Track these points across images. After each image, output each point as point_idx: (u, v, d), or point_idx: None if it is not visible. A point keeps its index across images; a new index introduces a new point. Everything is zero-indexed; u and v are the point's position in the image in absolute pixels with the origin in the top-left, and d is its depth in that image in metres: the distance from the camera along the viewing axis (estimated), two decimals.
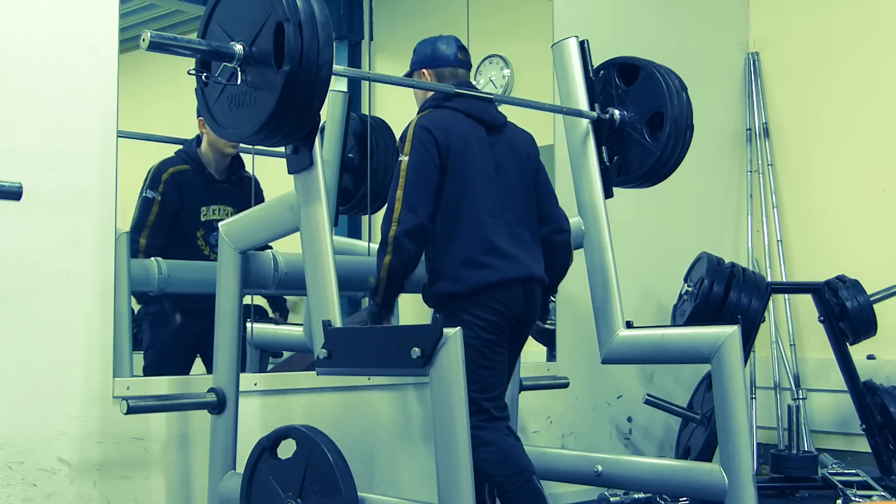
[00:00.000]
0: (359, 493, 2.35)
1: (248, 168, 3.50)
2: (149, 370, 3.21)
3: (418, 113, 2.95)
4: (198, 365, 3.33)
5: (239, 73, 2.39)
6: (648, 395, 4.16)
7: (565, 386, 3.82)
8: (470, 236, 2.83)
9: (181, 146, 3.43)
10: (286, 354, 3.71)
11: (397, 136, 3.74)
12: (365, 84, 3.98)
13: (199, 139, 3.41)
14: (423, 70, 3.05)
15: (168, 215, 3.34)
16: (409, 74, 3.10)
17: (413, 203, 2.75)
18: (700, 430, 4.05)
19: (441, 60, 3.04)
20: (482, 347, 2.80)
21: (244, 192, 3.42)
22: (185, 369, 3.33)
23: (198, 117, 3.29)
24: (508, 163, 2.98)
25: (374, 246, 3.75)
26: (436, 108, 2.92)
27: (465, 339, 2.72)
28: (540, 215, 3.05)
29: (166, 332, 3.36)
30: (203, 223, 3.40)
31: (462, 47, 3.08)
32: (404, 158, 2.80)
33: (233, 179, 3.47)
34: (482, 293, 2.81)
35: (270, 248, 2.91)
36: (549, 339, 4.20)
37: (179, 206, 3.38)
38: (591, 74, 3.39)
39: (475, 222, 2.84)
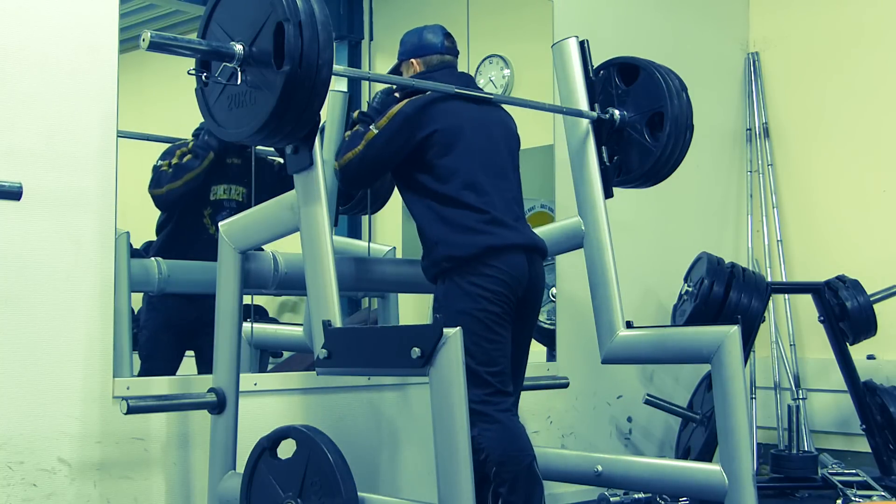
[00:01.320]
0: (359, 493, 2.35)
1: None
2: (141, 351, 3.20)
3: (403, 93, 2.96)
4: (189, 365, 3.34)
5: (239, 73, 2.39)
6: (648, 395, 4.16)
7: (565, 386, 3.82)
8: (467, 209, 2.82)
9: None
10: (286, 354, 3.71)
11: None
12: (365, 84, 3.98)
13: None
14: (412, 59, 3.06)
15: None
16: (398, 65, 3.11)
17: (353, 175, 2.89)
18: (700, 430, 4.05)
19: (428, 48, 3.05)
20: (486, 319, 2.76)
21: (259, 173, 3.41)
22: (177, 355, 3.33)
23: None
24: (500, 143, 2.99)
25: (375, 246, 3.79)
26: (423, 95, 2.92)
27: (470, 311, 2.73)
28: None
29: (161, 315, 3.35)
30: (212, 202, 3.38)
31: (448, 34, 3.09)
32: (374, 131, 2.83)
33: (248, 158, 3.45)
34: (483, 259, 2.78)
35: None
36: (549, 339, 4.20)
37: None
38: (591, 74, 3.39)
39: (471, 197, 2.83)
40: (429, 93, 2.91)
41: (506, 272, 2.80)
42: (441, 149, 2.85)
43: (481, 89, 3.08)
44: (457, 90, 2.91)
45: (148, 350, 3.24)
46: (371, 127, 2.85)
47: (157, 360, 3.23)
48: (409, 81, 2.98)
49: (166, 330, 3.35)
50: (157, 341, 3.30)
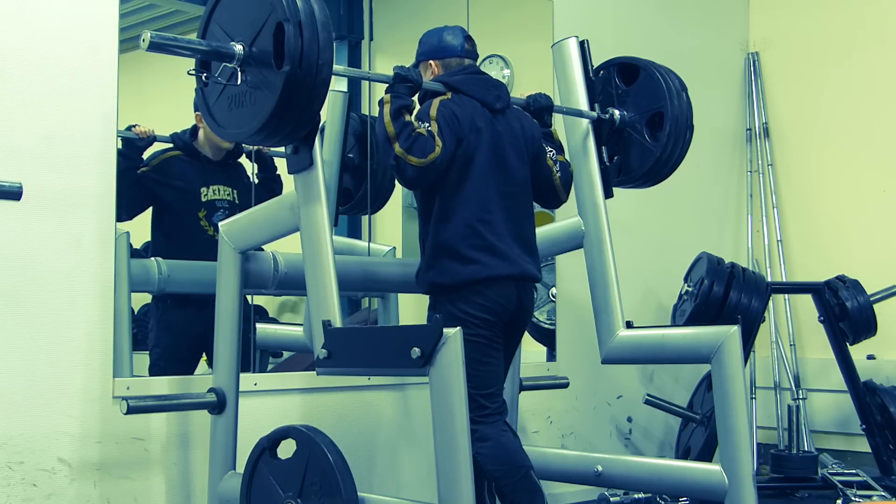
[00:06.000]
0: (359, 493, 2.35)
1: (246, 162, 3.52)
2: (154, 368, 3.21)
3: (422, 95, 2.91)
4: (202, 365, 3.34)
5: (239, 74, 2.39)
6: (648, 395, 4.16)
7: (565, 386, 3.82)
8: (463, 230, 2.80)
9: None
10: (286, 354, 3.71)
11: None
12: (365, 84, 3.98)
13: (194, 130, 3.42)
14: (430, 61, 2.99)
15: (163, 198, 3.36)
16: (416, 65, 3.03)
17: (435, 171, 2.72)
18: (700, 430, 4.05)
19: (448, 51, 2.98)
20: (479, 344, 2.78)
21: (240, 173, 3.48)
22: (190, 366, 3.33)
23: (195, 111, 3.30)
24: (509, 152, 2.93)
25: (375, 246, 3.79)
26: (450, 97, 2.88)
27: (463, 336, 2.73)
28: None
29: (171, 327, 3.35)
30: (204, 203, 3.42)
31: (468, 37, 3.03)
32: (436, 125, 2.74)
33: (228, 162, 3.51)
34: (470, 288, 2.79)
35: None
36: (549, 339, 4.20)
37: (175, 188, 3.40)
38: (591, 74, 3.39)
39: (470, 216, 2.81)
40: (453, 98, 2.86)
41: (495, 301, 2.81)
42: (460, 156, 2.81)
43: (505, 87, 3.00)
44: (455, 88, 2.90)
45: (162, 366, 3.24)
46: (424, 125, 2.74)
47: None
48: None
49: (178, 344, 3.36)
50: (169, 357, 3.31)
